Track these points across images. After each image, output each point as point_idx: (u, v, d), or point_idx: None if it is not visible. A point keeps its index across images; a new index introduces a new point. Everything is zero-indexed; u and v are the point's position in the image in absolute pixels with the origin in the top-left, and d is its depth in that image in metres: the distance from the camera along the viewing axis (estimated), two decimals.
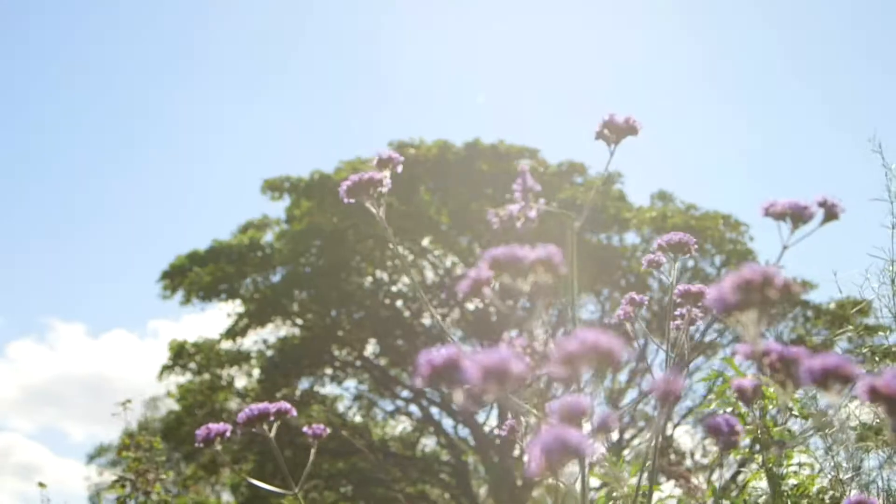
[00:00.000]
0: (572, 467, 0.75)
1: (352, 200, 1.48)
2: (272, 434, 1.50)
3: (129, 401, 5.66)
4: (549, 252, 1.21)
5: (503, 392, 0.80)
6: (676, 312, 1.52)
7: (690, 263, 14.05)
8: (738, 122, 28.54)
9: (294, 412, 1.53)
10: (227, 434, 1.52)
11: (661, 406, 0.95)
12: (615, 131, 1.45)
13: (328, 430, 1.60)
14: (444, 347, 0.91)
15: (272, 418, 1.52)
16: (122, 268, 32.02)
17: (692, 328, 1.50)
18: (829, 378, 1.07)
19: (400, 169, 1.50)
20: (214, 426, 1.51)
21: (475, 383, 0.80)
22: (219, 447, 1.52)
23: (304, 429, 1.60)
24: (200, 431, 1.51)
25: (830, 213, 1.30)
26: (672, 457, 13.79)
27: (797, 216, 1.29)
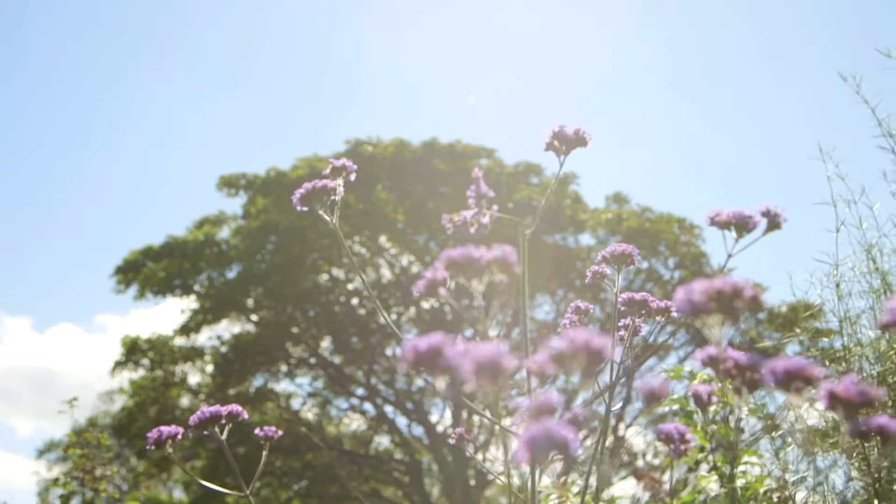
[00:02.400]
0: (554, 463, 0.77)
1: (305, 208, 1.48)
2: (224, 436, 1.49)
3: (75, 398, 5.60)
4: (504, 252, 1.21)
5: (495, 386, 0.80)
6: (621, 323, 1.53)
7: (645, 265, 14.20)
8: (696, 124, 28.86)
9: (245, 415, 1.52)
10: (179, 437, 1.51)
11: (644, 405, 0.97)
12: (565, 142, 1.46)
13: (280, 433, 1.59)
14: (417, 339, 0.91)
15: (224, 421, 1.51)
16: (69, 262, 31.64)
17: (642, 332, 1.52)
18: (791, 380, 1.08)
19: (353, 177, 1.50)
20: (166, 429, 1.50)
21: (467, 376, 0.81)
22: (170, 449, 1.51)
23: (256, 431, 1.59)
24: (152, 434, 1.51)
25: (773, 223, 1.33)
26: (625, 458, 13.91)
27: (741, 225, 1.31)
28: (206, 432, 1.48)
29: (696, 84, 29.71)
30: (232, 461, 1.45)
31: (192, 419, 1.49)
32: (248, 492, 1.47)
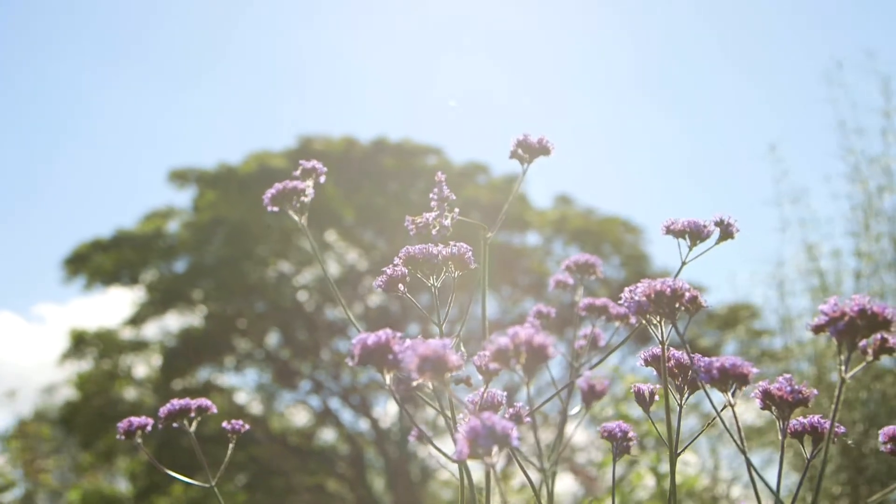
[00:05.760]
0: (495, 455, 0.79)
1: (275, 209, 1.51)
2: (192, 429, 1.53)
3: (14, 392, 5.59)
4: (460, 249, 1.27)
5: (438, 381, 0.83)
6: (581, 333, 1.57)
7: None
8: (651, 125, 29.06)
9: (215, 409, 1.56)
10: (149, 428, 1.55)
11: (584, 403, 1.01)
12: (529, 151, 1.51)
13: (247, 426, 1.63)
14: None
15: (193, 414, 1.55)
16: (5, 250, 30.95)
17: (600, 344, 1.56)
18: (726, 378, 1.16)
19: (323, 179, 1.54)
20: (136, 420, 1.54)
21: (411, 371, 0.84)
22: (139, 440, 1.55)
23: (224, 424, 1.63)
24: (122, 424, 1.54)
25: (726, 233, 1.40)
26: (565, 453, 14.03)
27: (695, 234, 1.38)
28: (174, 425, 1.53)
29: (654, 84, 29.90)
30: (200, 455, 1.49)
31: (162, 411, 1.53)
32: (213, 483, 1.52)
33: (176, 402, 1.53)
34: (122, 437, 1.56)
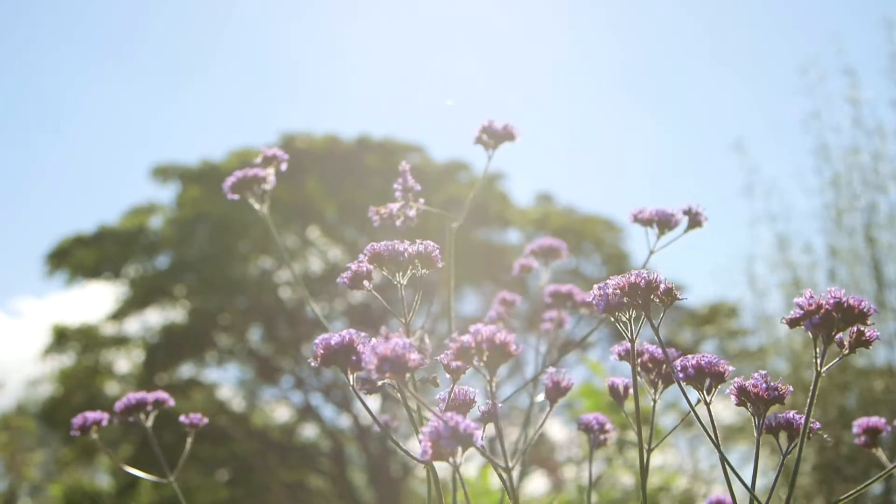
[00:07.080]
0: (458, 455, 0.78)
1: (236, 196, 1.48)
2: (149, 423, 1.49)
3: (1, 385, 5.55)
4: (427, 247, 1.24)
5: (399, 380, 0.81)
6: (546, 316, 1.55)
7: (573, 264, 14.43)
8: (637, 125, 29.11)
9: (172, 402, 1.52)
10: (104, 422, 1.51)
11: (549, 404, 0.99)
12: (494, 137, 1.49)
13: (205, 420, 1.59)
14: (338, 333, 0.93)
15: (150, 408, 1.51)
16: None
17: (565, 327, 1.54)
18: (703, 376, 1.13)
19: (285, 167, 1.51)
20: (91, 414, 1.50)
21: (372, 370, 0.82)
22: (95, 435, 1.51)
23: (181, 418, 1.59)
24: (77, 419, 1.50)
25: (694, 221, 1.38)
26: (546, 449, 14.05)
27: (663, 223, 1.36)
28: (131, 419, 1.49)
29: (638, 84, 29.89)
30: (156, 447, 1.45)
31: (118, 405, 1.49)
32: (171, 478, 1.47)
33: (132, 396, 1.49)
34: (77, 433, 1.51)
